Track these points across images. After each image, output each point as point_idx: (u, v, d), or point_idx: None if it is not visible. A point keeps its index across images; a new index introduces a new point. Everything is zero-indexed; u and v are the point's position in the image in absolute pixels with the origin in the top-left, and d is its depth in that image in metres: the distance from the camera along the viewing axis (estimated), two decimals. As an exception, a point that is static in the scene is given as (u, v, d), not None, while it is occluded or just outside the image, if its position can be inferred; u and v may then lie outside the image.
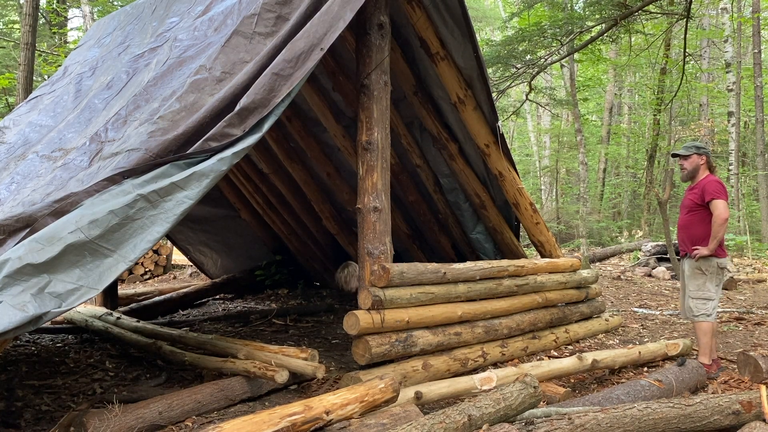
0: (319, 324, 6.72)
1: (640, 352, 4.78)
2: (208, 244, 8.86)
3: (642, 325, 6.55)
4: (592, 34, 11.21)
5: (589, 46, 11.70)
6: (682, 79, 11.85)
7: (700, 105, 19.37)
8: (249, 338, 5.30)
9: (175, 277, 11.03)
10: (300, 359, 4.11)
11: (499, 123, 5.28)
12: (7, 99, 14.12)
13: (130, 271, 10.79)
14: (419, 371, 4.26)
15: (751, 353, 4.49)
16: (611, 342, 5.82)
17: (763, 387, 3.13)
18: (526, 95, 13.56)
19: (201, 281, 9.55)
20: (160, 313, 7.42)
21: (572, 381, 4.58)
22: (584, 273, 6.15)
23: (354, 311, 4.03)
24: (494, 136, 5.27)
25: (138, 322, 5.85)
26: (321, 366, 4.02)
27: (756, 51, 15.10)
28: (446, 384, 3.91)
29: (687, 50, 11.33)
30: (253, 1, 4.06)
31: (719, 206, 4.39)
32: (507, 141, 5.53)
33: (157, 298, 7.71)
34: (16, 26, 17.40)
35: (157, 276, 11.19)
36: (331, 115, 6.18)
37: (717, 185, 4.49)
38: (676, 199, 19.51)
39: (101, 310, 6.47)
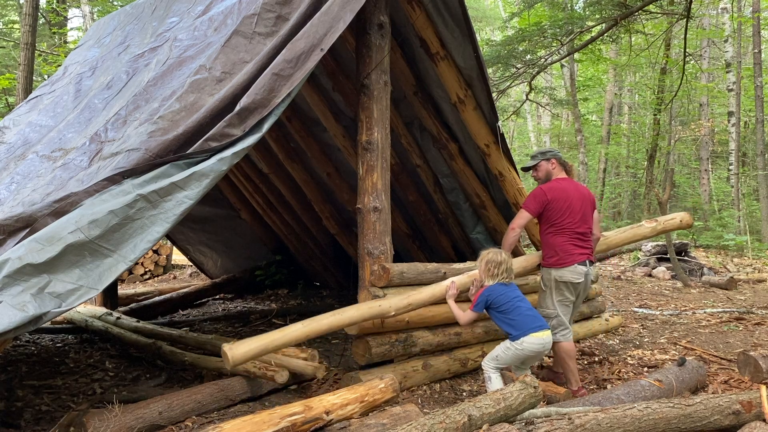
0: (319, 324, 6.71)
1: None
2: (208, 244, 8.86)
3: (642, 325, 6.55)
4: (592, 34, 11.21)
5: (589, 46, 11.70)
6: (682, 79, 11.84)
7: (700, 105, 19.38)
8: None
9: (175, 277, 11.03)
10: (300, 359, 4.12)
11: (499, 123, 5.27)
12: (7, 99, 14.12)
13: (130, 271, 10.79)
14: (419, 371, 4.27)
15: (751, 353, 4.49)
16: (611, 342, 5.82)
17: (763, 387, 3.13)
18: (526, 95, 13.56)
19: (201, 281, 9.55)
20: (160, 313, 7.42)
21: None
22: (584, 273, 6.14)
23: (354, 311, 4.03)
24: (494, 136, 5.27)
25: (138, 322, 5.85)
26: (321, 366, 4.03)
27: (756, 51, 15.10)
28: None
29: (687, 50, 11.32)
30: (253, 1, 4.06)
31: (517, 215, 4.26)
32: (507, 141, 5.52)
33: (157, 298, 7.71)
34: (16, 26, 17.40)
35: (157, 276, 11.19)
36: (331, 115, 6.18)
37: (534, 192, 4.29)
38: (676, 199, 19.53)
39: (101, 310, 6.47)
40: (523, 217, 4.27)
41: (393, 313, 3.80)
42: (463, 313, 3.82)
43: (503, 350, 3.70)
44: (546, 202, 4.21)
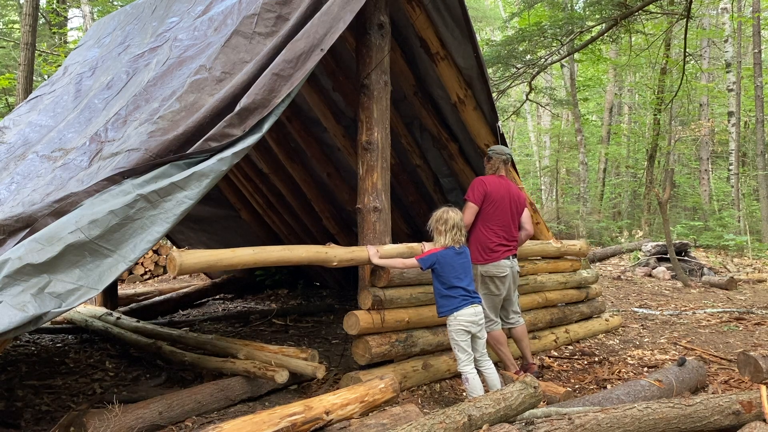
0: (319, 324, 6.72)
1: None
2: (208, 244, 8.86)
3: (642, 325, 6.55)
4: (593, 34, 11.22)
5: (589, 46, 11.71)
6: (682, 79, 11.84)
7: (700, 105, 19.38)
8: (249, 338, 5.30)
9: (175, 277, 11.03)
10: (300, 359, 4.11)
11: (499, 123, 5.28)
12: (7, 99, 14.13)
13: (130, 271, 10.79)
14: (419, 371, 4.27)
15: (751, 353, 4.49)
16: (611, 342, 5.82)
17: (763, 387, 3.13)
18: (526, 95, 13.57)
19: (201, 281, 9.55)
20: (160, 313, 7.42)
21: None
22: (584, 273, 6.15)
23: (354, 311, 4.03)
24: (494, 136, 5.27)
25: (138, 322, 5.85)
26: (321, 366, 4.02)
27: (756, 51, 15.11)
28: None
29: (687, 50, 11.33)
30: (253, 1, 4.06)
31: (465, 209, 4.25)
32: (507, 141, 5.53)
33: (157, 298, 7.71)
34: (16, 26, 17.40)
35: (157, 276, 11.19)
36: (331, 115, 6.18)
37: (473, 183, 4.36)
38: (676, 199, 19.53)
39: (101, 310, 6.47)
40: (470, 208, 4.32)
41: (336, 263, 3.89)
42: (404, 260, 3.89)
43: (450, 335, 3.75)
44: (485, 193, 4.31)
